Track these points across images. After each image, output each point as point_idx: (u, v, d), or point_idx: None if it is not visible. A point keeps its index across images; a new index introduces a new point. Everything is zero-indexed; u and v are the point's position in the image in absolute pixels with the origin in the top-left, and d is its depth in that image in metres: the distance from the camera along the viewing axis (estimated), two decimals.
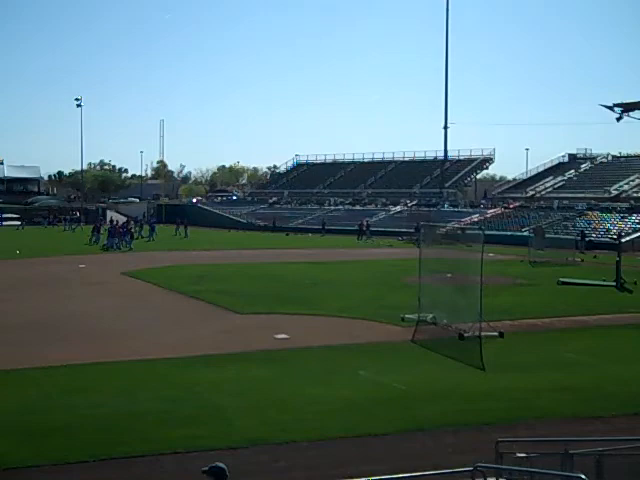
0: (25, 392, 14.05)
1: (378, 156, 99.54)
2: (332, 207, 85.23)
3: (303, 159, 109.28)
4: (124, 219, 66.42)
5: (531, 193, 75.34)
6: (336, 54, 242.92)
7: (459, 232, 31.89)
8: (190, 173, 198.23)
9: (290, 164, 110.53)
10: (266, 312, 23.69)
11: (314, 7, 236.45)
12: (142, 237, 59.31)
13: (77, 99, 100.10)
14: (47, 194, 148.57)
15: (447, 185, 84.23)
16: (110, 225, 56.73)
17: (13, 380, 15.04)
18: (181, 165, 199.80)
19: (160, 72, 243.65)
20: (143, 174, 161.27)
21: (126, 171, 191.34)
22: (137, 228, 61.09)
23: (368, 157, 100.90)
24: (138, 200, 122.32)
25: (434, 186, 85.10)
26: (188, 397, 13.69)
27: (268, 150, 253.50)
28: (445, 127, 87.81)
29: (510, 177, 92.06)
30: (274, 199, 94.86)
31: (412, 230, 56.76)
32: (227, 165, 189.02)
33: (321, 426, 12.16)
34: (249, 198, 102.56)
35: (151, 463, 10.53)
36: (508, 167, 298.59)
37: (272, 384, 14.83)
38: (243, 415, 12.66)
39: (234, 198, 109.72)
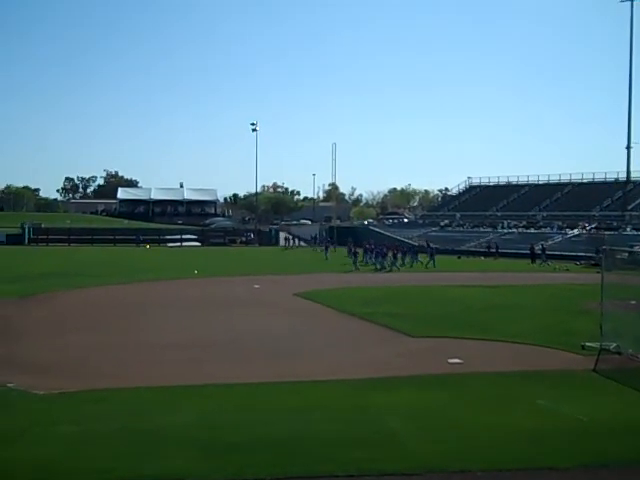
0: (203, 407, 14.43)
1: (554, 178, 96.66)
2: (505, 230, 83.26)
3: (475, 181, 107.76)
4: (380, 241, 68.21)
5: None
6: (511, 72, 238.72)
7: None
8: (361, 195, 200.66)
9: (462, 186, 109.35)
10: (439, 336, 23.28)
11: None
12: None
13: (252, 124, 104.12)
14: (223, 216, 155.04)
15: (629, 208, 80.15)
16: (371, 246, 59.43)
17: (192, 395, 15.51)
18: (352, 188, 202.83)
19: (333, 97, 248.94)
20: (315, 196, 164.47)
21: (298, 193, 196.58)
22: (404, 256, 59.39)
23: (543, 179, 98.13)
24: (310, 222, 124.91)
25: (615, 209, 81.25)
26: (362, 419, 13.57)
27: (439, 173, 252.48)
28: (628, 147, 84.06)
29: None
30: (446, 222, 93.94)
31: (591, 254, 54.44)
32: (398, 188, 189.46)
33: (497, 455, 11.65)
34: (420, 221, 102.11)
35: None
36: None
37: (446, 409, 14.45)
38: (417, 440, 12.37)
39: (405, 221, 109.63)
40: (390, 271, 52.07)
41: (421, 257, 58.59)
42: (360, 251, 57.53)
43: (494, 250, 68.93)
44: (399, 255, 56.24)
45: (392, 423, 13.35)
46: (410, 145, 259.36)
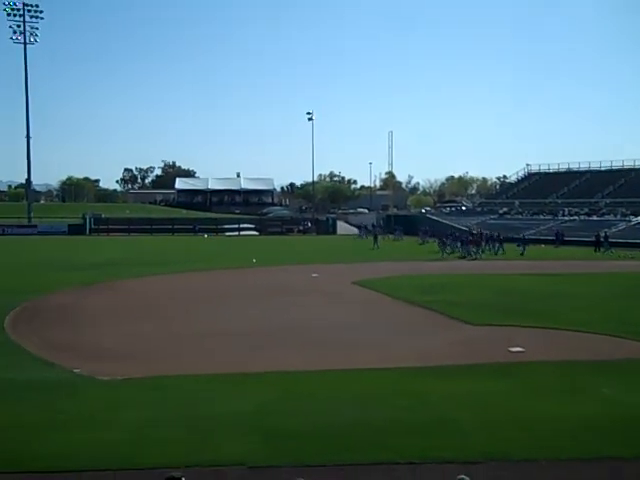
0: (263, 395, 14.48)
1: (617, 164, 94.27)
2: (566, 217, 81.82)
3: (535, 168, 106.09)
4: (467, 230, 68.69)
5: None
6: (571, 57, 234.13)
7: None
8: (418, 184, 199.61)
9: (521, 174, 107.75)
10: (499, 324, 22.98)
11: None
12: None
13: (308, 113, 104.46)
14: (280, 205, 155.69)
15: None
16: (458, 234, 60.79)
17: (252, 383, 15.61)
18: (409, 176, 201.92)
19: (388, 85, 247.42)
20: (372, 185, 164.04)
21: (355, 182, 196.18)
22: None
23: (605, 165, 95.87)
24: (367, 211, 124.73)
25: None
26: (421, 407, 13.48)
27: (497, 160, 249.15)
28: None
29: None
30: (504, 209, 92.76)
31: None
32: (456, 175, 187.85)
33: (561, 445, 11.46)
34: (478, 209, 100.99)
35: (386, 472, 10.44)
36: None
37: (507, 398, 14.26)
38: (478, 428, 12.24)
39: (463, 209, 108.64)
40: (475, 259, 52.22)
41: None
42: (444, 240, 58.04)
43: (557, 238, 67.69)
44: (483, 243, 57.28)
45: (452, 411, 13.24)
46: (468, 133, 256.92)
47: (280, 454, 10.90)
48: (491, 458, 10.84)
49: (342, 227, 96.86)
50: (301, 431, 11.98)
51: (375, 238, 65.39)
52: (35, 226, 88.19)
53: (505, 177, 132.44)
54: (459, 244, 56.82)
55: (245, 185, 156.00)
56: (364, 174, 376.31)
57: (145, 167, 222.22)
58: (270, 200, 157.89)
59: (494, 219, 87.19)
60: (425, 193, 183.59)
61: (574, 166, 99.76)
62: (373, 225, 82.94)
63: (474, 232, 62.63)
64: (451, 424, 12.47)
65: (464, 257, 53.42)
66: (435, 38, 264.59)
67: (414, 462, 10.63)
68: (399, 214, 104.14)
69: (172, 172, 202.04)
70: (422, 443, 11.38)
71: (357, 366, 17.09)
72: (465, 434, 11.95)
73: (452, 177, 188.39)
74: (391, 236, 78.45)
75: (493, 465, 10.66)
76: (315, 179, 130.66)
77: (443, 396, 14.35)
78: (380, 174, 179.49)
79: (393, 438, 11.67)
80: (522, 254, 56.08)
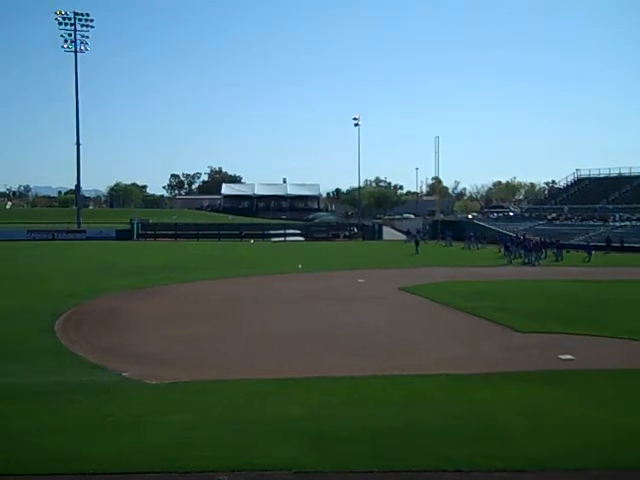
0: (309, 400, 14.41)
1: None
2: (617, 223, 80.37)
3: (584, 173, 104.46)
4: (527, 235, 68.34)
5: None
6: (624, 59, 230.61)
7: None
8: (465, 189, 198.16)
9: (570, 179, 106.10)
10: (547, 331, 22.60)
11: None
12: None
13: (355, 118, 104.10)
14: (326, 210, 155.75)
15: None
16: (522, 240, 59.94)
17: (300, 388, 15.56)
18: (456, 181, 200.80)
19: (435, 90, 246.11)
20: (418, 190, 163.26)
21: (401, 188, 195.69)
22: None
23: None
24: (413, 216, 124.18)
25: None
26: (469, 415, 13.27)
27: (546, 165, 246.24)
28: None
29: None
30: (553, 215, 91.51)
31: None
32: (503, 181, 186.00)
33: (614, 454, 11.16)
34: (527, 214, 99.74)
35: (431, 479, 10.28)
36: None
37: (557, 406, 13.96)
38: (528, 437, 11.98)
39: (511, 214, 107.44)
40: (534, 265, 51.59)
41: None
42: (508, 246, 57.56)
43: (608, 245, 66.41)
44: (543, 249, 56.54)
45: (500, 419, 13.00)
46: (515, 138, 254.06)
47: (326, 459, 10.80)
48: (542, 467, 10.61)
49: (388, 232, 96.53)
50: (347, 437, 11.88)
51: (416, 244, 65.02)
52: (84, 231, 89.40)
53: (554, 182, 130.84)
54: (522, 250, 56.24)
55: (291, 191, 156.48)
56: (410, 179, 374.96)
57: (192, 173, 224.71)
58: (316, 205, 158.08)
59: (542, 225, 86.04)
60: (472, 198, 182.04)
61: (625, 171, 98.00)
62: (418, 231, 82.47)
63: (527, 237, 62.03)
64: (501, 432, 12.23)
65: (527, 263, 52.85)
66: (482, 42, 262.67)
67: (462, 470, 10.44)
68: (446, 220, 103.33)
69: (218, 178, 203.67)
70: (471, 450, 11.17)
71: (403, 371, 16.94)
72: (515, 442, 11.71)
73: (499, 182, 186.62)
74: (442, 242, 77.79)
75: (544, 474, 10.43)
76: (361, 184, 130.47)
77: (492, 403, 14.12)
78: (426, 179, 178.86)
79: (441, 445, 11.49)
80: (589, 260, 55.41)
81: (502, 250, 58.11)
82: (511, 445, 11.53)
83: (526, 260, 53.85)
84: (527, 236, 66.07)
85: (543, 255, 55.43)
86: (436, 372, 16.93)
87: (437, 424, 12.65)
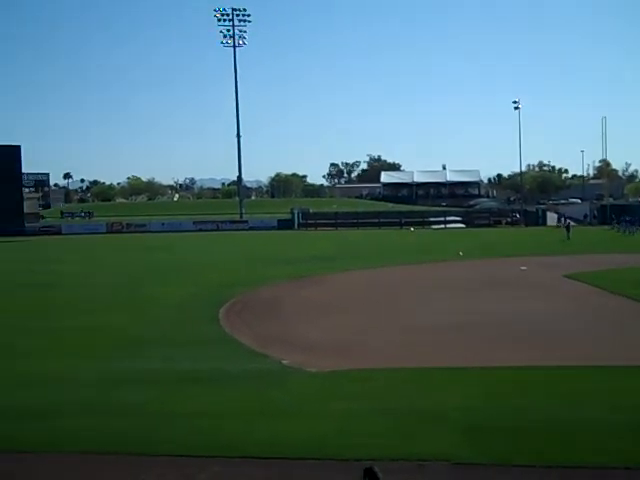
0: (467, 390, 14.16)
1: None
2: None
3: None
4: None
5: None
6: None
7: None
8: (637, 171, 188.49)
9: None
10: None
11: None
12: None
13: (515, 102, 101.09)
14: (487, 197, 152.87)
15: None
16: None
17: (457, 378, 15.32)
18: (626, 163, 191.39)
19: (604, 68, 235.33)
20: (584, 174, 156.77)
21: (566, 171, 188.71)
22: None
23: None
24: (580, 201, 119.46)
25: None
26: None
27: None
28: None
29: None
30: None
31: None
32: None
33: None
34: None
35: (600, 476, 9.82)
36: None
37: None
38: None
39: None
40: None
41: None
42: None
43: None
44: None
45: None
46: None
47: (485, 452, 10.57)
48: None
49: (552, 218, 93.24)
50: (507, 429, 11.58)
51: (567, 229, 61.92)
52: (246, 221, 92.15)
53: None
54: None
55: (451, 177, 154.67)
56: (575, 163, 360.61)
57: (351, 162, 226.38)
58: (477, 192, 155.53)
59: None
60: None
61: None
62: (567, 216, 78.35)
63: None
64: None
65: None
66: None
67: (630, 467, 9.89)
68: (615, 204, 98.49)
69: (377, 166, 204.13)
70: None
71: (568, 362, 16.31)
72: None
73: None
74: (616, 228, 70.41)
75: None
76: (523, 169, 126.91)
77: None
78: (594, 162, 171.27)
79: (608, 440, 10.95)
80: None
81: None
82: None
83: None
84: None
85: None
86: (604, 364, 16.15)
87: (605, 417, 12.14)
